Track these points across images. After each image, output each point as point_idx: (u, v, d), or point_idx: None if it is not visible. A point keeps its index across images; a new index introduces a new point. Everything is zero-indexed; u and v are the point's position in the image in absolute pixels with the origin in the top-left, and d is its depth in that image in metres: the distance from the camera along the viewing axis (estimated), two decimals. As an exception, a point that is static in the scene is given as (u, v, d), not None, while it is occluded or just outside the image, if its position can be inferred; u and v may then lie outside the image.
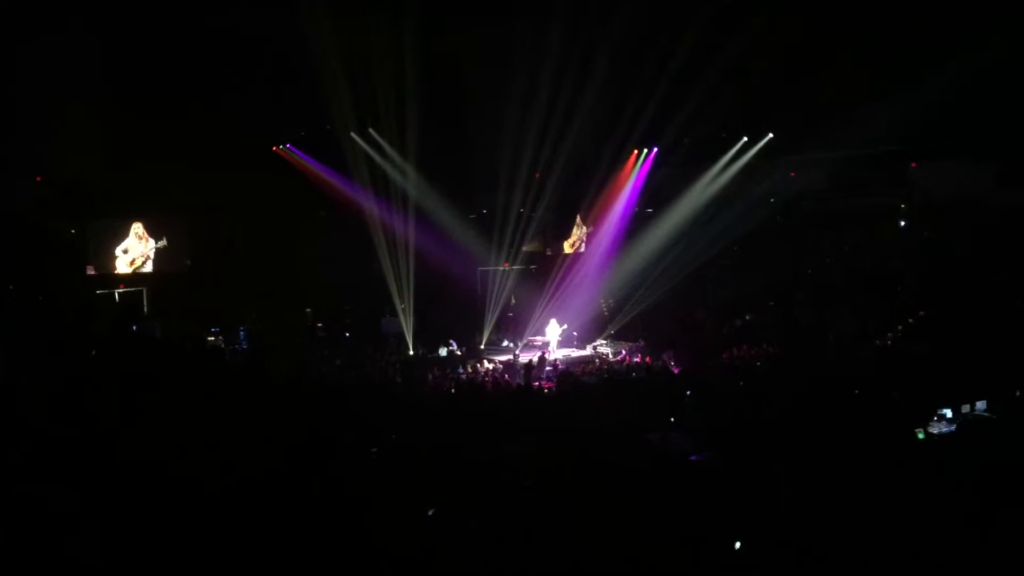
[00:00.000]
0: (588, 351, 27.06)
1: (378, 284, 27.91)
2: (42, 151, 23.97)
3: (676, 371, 21.95)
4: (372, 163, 28.28)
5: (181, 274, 27.97)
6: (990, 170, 28.16)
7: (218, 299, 27.13)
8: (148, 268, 27.65)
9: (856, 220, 30.85)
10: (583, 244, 32.47)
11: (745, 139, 29.15)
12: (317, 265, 28.65)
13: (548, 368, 23.49)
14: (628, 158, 30.47)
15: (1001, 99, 23.11)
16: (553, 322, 27.22)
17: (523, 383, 21.12)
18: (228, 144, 25.52)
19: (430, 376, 22.55)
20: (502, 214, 29.60)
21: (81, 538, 7.02)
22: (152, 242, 27.60)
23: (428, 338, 26.77)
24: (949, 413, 14.31)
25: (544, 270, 31.50)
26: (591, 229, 32.18)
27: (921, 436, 13.62)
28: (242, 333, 26.41)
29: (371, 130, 28.08)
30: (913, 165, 30.18)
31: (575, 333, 27.75)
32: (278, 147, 28.88)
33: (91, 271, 26.77)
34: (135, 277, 27.49)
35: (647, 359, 24.18)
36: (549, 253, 33.01)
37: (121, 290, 27.28)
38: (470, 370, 23.90)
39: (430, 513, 8.87)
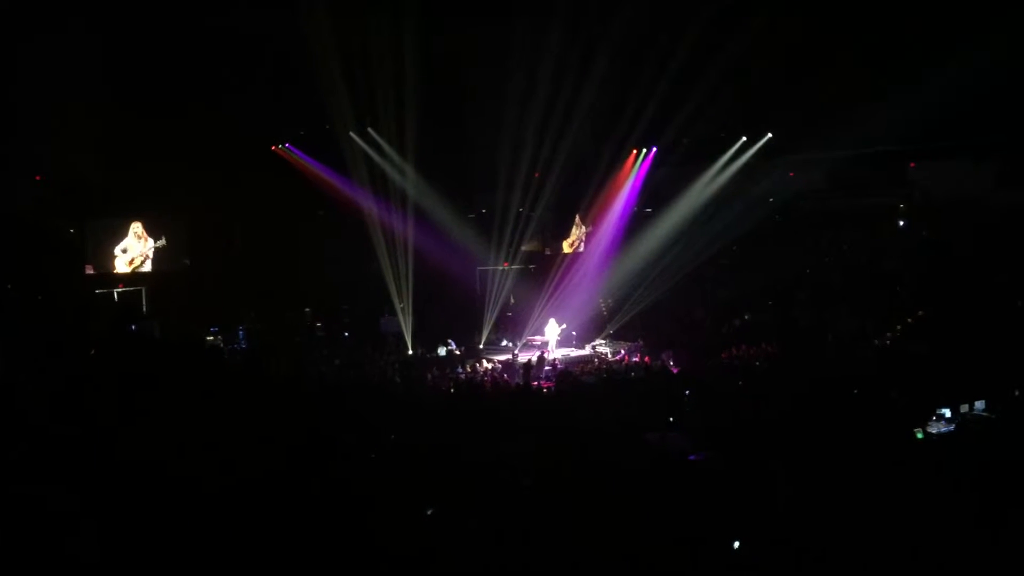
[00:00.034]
0: (587, 351, 27.06)
1: (377, 284, 27.90)
2: (42, 151, 23.96)
3: (675, 371, 21.95)
4: (371, 163, 28.28)
5: (180, 274, 27.95)
6: (990, 170, 28.14)
7: (217, 299, 27.12)
8: (147, 268, 27.63)
9: (855, 220, 30.85)
10: (582, 244, 32.46)
11: (744, 139, 29.14)
12: (316, 265, 28.63)
13: (547, 368, 23.49)
14: (627, 158, 30.48)
15: (1001, 99, 23.09)
16: (552, 322, 27.23)
17: (522, 383, 21.11)
18: (227, 144, 25.55)
19: (429, 376, 22.54)
20: (501, 214, 29.60)
21: (80, 537, 7.02)
22: (151, 242, 27.58)
23: (427, 338, 26.76)
24: (948, 413, 14.32)
25: (543, 270, 31.49)
26: (590, 229, 32.18)
27: (920, 436, 13.62)
28: (241, 333, 26.40)
29: (370, 130, 28.07)
30: (912, 165, 30.16)
31: (574, 333, 27.76)
32: (277, 147, 28.87)
33: (90, 271, 26.74)
34: (134, 277, 27.47)
35: (646, 359, 24.18)
36: (548, 253, 33.01)
37: (120, 290, 27.26)
38: (469, 370, 23.90)
39: (429, 513, 8.87)
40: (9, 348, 17.07)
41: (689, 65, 24.16)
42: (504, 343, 27.91)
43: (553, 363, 24.15)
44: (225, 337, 26.17)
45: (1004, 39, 20.96)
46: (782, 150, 28.84)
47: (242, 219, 28.82)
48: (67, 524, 7.11)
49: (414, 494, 9.23)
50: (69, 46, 22.19)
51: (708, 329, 27.38)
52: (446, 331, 26.84)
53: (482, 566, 7.94)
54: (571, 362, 24.89)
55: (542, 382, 22.01)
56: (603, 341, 28.01)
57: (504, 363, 24.64)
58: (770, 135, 28.76)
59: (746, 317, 27.52)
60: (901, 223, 30.69)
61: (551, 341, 26.85)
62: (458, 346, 26.50)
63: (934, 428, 14.00)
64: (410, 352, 26.28)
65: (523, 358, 24.53)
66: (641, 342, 26.63)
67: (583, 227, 32.46)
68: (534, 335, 27.88)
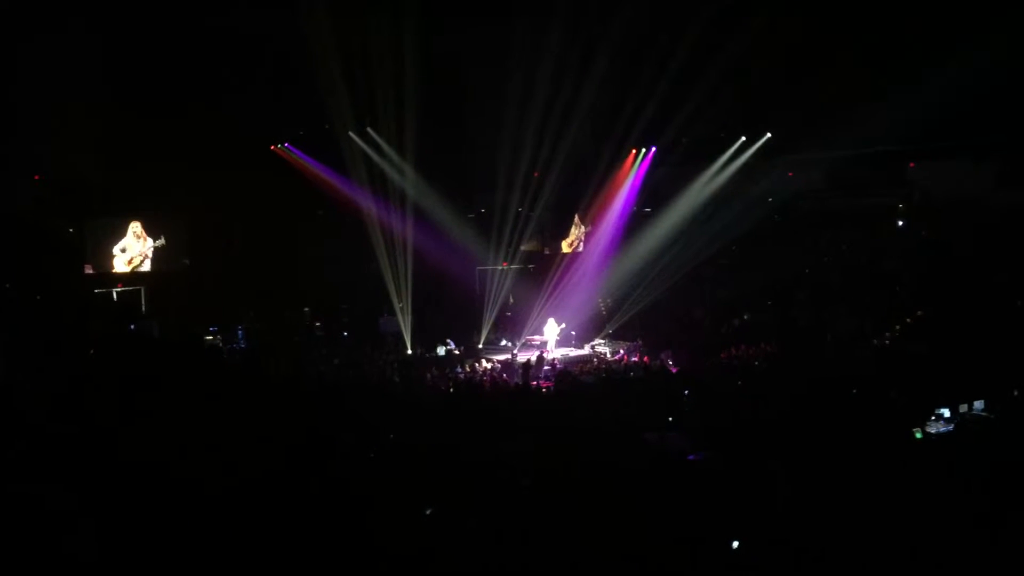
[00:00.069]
0: (586, 350, 27.07)
1: (376, 283, 27.90)
2: (42, 151, 23.96)
3: (674, 370, 21.94)
4: (370, 162, 28.27)
5: (179, 273, 27.94)
6: (989, 170, 28.13)
7: (216, 298, 27.11)
8: (146, 267, 27.62)
9: (854, 220, 30.83)
10: (581, 243, 32.45)
11: (743, 139, 29.14)
12: (315, 264, 28.62)
13: (546, 367, 23.48)
14: (626, 157, 30.47)
15: (1001, 99, 23.09)
16: (551, 321, 27.23)
17: (521, 382, 21.11)
18: (226, 143, 25.52)
19: (428, 375, 22.53)
20: (500, 213, 29.59)
21: (78, 537, 7.01)
22: (150, 241, 27.57)
23: (426, 337, 26.77)
24: (947, 413, 14.30)
25: (542, 269, 31.48)
26: (589, 228, 32.17)
27: (919, 436, 13.62)
28: (240, 332, 26.39)
29: (369, 129, 28.06)
30: (912, 165, 30.16)
31: (573, 332, 27.76)
32: (276, 146, 28.86)
33: (89, 270, 26.74)
34: (133, 276, 27.46)
35: (645, 358, 24.18)
36: (547, 252, 33.00)
37: (119, 289, 27.25)
38: (468, 369, 23.90)
39: (428, 512, 8.86)
40: (8, 347, 17.08)
41: (689, 65, 24.15)
42: (503, 343, 27.90)
43: (552, 363, 24.14)
44: (224, 337, 26.17)
45: (1004, 39, 20.95)
46: (781, 150, 28.81)
47: (241, 219, 28.79)
48: (65, 523, 7.10)
49: (413, 494, 9.23)
50: (69, 46, 22.19)
51: (707, 329, 27.39)
52: (445, 331, 26.84)
53: (481, 566, 7.93)
54: (570, 362, 24.88)
55: (541, 382, 22.00)
56: (602, 341, 28.01)
57: (503, 363, 24.64)
58: (769, 135, 28.75)
59: (745, 317, 27.53)
60: (900, 223, 30.67)
61: (550, 341, 26.86)
62: (457, 346, 26.50)
63: (933, 428, 13.99)
64: (409, 352, 26.28)
65: (522, 358, 24.53)
66: (640, 342, 26.63)
67: (582, 227, 32.45)
68: (533, 335, 27.88)
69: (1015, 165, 27.24)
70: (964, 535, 7.99)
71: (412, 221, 28.31)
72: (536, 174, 28.69)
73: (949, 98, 22.00)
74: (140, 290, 27.61)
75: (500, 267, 30.30)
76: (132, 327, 24.39)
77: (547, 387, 20.98)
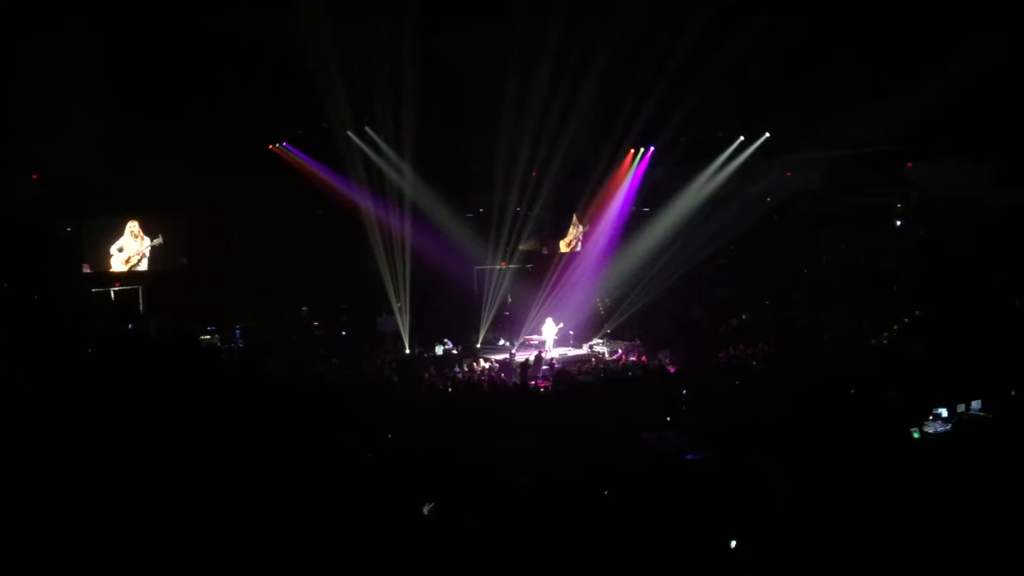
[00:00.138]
0: (584, 350, 27.09)
1: (374, 283, 27.90)
2: (42, 151, 23.98)
3: (672, 370, 21.94)
4: (369, 162, 28.26)
5: (177, 272, 27.94)
6: (987, 169, 28.17)
7: (214, 297, 27.10)
8: (143, 266, 27.62)
9: (852, 220, 30.88)
10: (579, 243, 32.47)
11: (742, 139, 29.15)
12: (314, 264, 28.64)
13: (544, 367, 23.50)
14: (625, 157, 30.48)
15: (999, 99, 23.10)
16: (549, 321, 27.24)
17: (519, 382, 21.12)
18: (224, 143, 25.52)
19: (426, 375, 22.54)
20: (499, 213, 29.59)
21: (78, 537, 7.01)
22: (147, 240, 27.57)
23: (424, 337, 26.78)
24: (945, 412, 14.31)
25: (540, 269, 31.53)
26: (587, 228, 32.18)
27: (916, 435, 13.63)
28: (238, 332, 26.39)
29: (368, 129, 28.04)
30: (909, 165, 30.18)
31: (571, 332, 27.77)
32: (274, 145, 28.84)
33: (87, 269, 26.73)
34: (131, 275, 27.46)
35: (643, 358, 24.20)
36: (545, 252, 33.06)
37: (117, 288, 27.23)
38: (466, 369, 23.92)
39: (425, 510, 8.87)
40: (6, 347, 17.04)
41: (688, 65, 24.14)
42: (501, 342, 27.93)
43: (550, 362, 24.17)
44: (222, 336, 26.17)
45: (1004, 39, 20.95)
46: (780, 150, 28.84)
47: (239, 218, 28.80)
48: (66, 524, 7.10)
49: (411, 493, 9.23)
50: (69, 46, 22.18)
51: (705, 329, 27.41)
52: (443, 330, 26.87)
53: (480, 566, 7.94)
54: (568, 361, 24.90)
55: (539, 381, 22.01)
56: (600, 340, 28.04)
57: (501, 362, 24.65)
58: (767, 135, 28.77)
59: (743, 317, 27.56)
60: (898, 223, 30.70)
61: (548, 340, 26.86)
62: (455, 345, 26.52)
63: (931, 428, 14.00)
64: (407, 351, 26.29)
65: (520, 357, 24.57)
66: (638, 341, 26.67)
67: (580, 226, 32.47)
68: (531, 334, 27.89)
69: (1013, 164, 27.27)
70: (962, 535, 8.00)
71: (410, 220, 28.34)
72: (534, 174, 28.71)
73: (947, 98, 22.02)
74: (138, 289, 27.59)
75: (498, 267, 30.31)
76: (130, 326, 24.35)
77: (545, 387, 20.98)
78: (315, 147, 28.50)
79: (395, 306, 27.54)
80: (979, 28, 21.65)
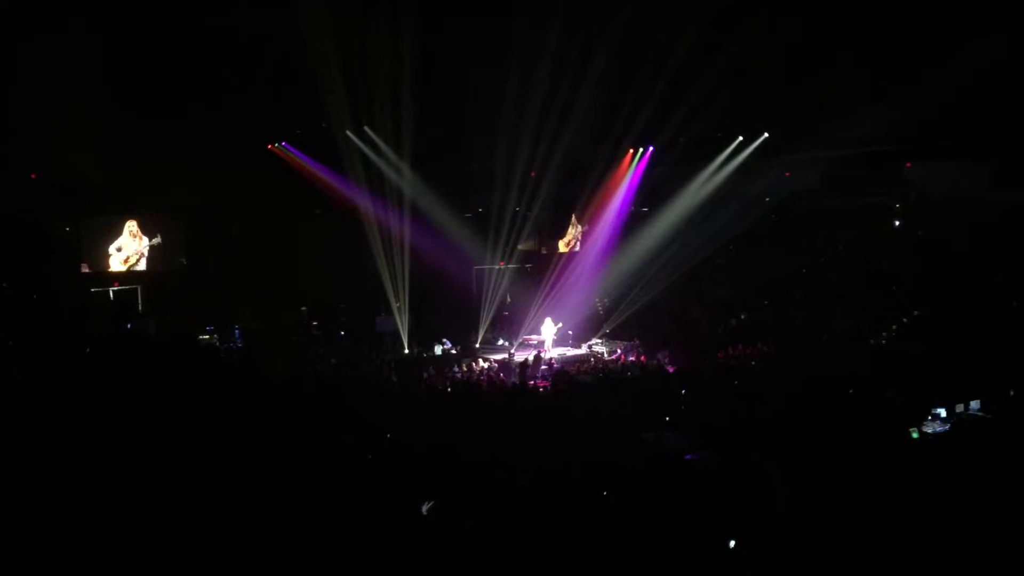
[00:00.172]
0: (583, 350, 27.10)
1: (373, 283, 27.87)
2: (41, 151, 23.96)
3: (671, 370, 21.94)
4: (368, 162, 28.25)
5: (176, 272, 27.92)
6: (986, 169, 28.18)
7: (213, 297, 27.08)
8: (142, 266, 27.60)
9: (851, 220, 30.90)
10: (578, 243, 32.48)
11: (740, 139, 29.16)
12: (313, 263, 28.61)
13: (543, 367, 23.50)
14: (624, 157, 30.49)
15: (998, 99, 23.11)
16: (548, 321, 27.23)
17: (518, 382, 21.12)
18: (223, 143, 25.50)
19: (425, 375, 22.55)
20: (498, 213, 29.59)
21: (84, 539, 7.02)
22: (146, 240, 27.55)
23: (423, 337, 26.77)
24: (943, 413, 14.32)
25: (539, 269, 31.53)
26: (586, 228, 32.20)
27: (915, 436, 13.64)
28: (237, 331, 26.38)
29: (367, 128, 28.03)
30: (908, 165, 30.20)
31: (570, 332, 27.77)
32: (273, 145, 28.83)
33: (85, 269, 26.71)
34: (129, 275, 27.44)
35: (642, 358, 24.21)
36: (544, 252, 33.05)
37: (116, 288, 27.21)
38: (465, 369, 23.92)
39: (424, 510, 8.87)
40: (6, 347, 17.06)
41: (687, 65, 24.14)
42: (500, 342, 27.94)
43: (549, 362, 24.18)
44: (221, 336, 26.16)
45: (1004, 39, 20.96)
46: (778, 150, 28.86)
47: (239, 218, 28.79)
48: (71, 526, 7.11)
49: (410, 493, 9.23)
50: (69, 46, 22.16)
51: (704, 328, 27.44)
52: (442, 330, 26.87)
53: (479, 565, 7.94)
54: (567, 361, 24.91)
55: (538, 381, 22.01)
56: (599, 340, 28.05)
57: (500, 362, 24.66)
58: (766, 135, 28.77)
59: (742, 317, 27.58)
60: (897, 223, 30.72)
61: (547, 340, 26.85)
62: (454, 345, 26.51)
63: (929, 428, 14.01)
64: (406, 351, 26.29)
65: (519, 357, 24.58)
66: (637, 341, 26.69)
67: (579, 226, 32.48)
68: (530, 334, 27.88)
69: (1012, 165, 27.28)
70: (960, 535, 8.01)
71: (409, 220, 28.32)
72: (533, 174, 28.71)
73: (946, 98, 22.03)
74: (137, 289, 27.57)
75: (497, 266, 30.31)
76: (129, 326, 24.33)
77: (544, 387, 20.99)
78: (314, 147, 28.47)
79: (394, 306, 27.52)
80: (979, 28, 21.65)
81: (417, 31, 23.94)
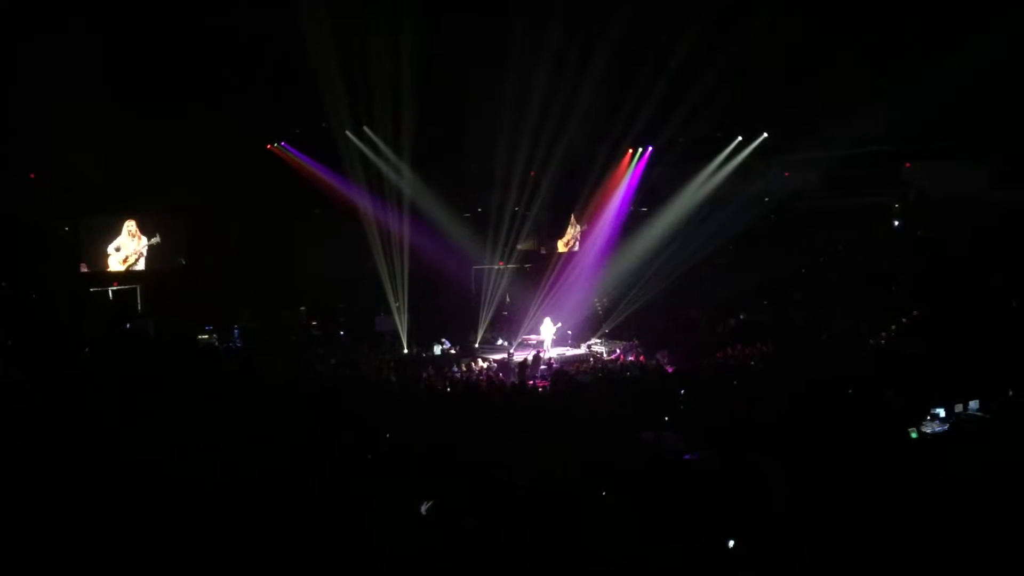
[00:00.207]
0: (582, 350, 27.08)
1: (372, 282, 27.85)
2: (41, 151, 23.95)
3: (670, 370, 21.94)
4: (367, 162, 28.24)
5: (175, 272, 27.89)
6: (985, 169, 28.19)
7: (212, 297, 27.04)
8: (141, 266, 27.57)
9: (850, 220, 30.91)
10: (577, 243, 32.48)
11: (740, 139, 29.16)
12: (312, 263, 28.59)
13: (542, 367, 23.50)
14: (623, 157, 30.49)
15: (998, 99, 23.11)
16: (547, 321, 27.22)
17: (517, 382, 21.12)
18: (223, 143, 25.48)
19: (424, 375, 22.55)
20: (497, 213, 29.57)
21: (84, 539, 7.02)
22: (145, 240, 27.50)
23: (422, 336, 26.77)
24: (942, 412, 14.34)
25: (538, 269, 31.52)
26: (585, 228, 32.19)
27: (914, 436, 13.64)
28: (236, 331, 26.36)
29: (366, 128, 28.01)
30: (907, 165, 30.20)
31: (569, 332, 27.76)
32: (272, 145, 28.81)
33: (84, 269, 26.69)
34: (128, 275, 27.41)
35: (641, 358, 24.21)
36: (543, 252, 33.05)
37: (115, 288, 27.19)
38: (464, 369, 23.91)
39: (423, 510, 8.88)
40: (5, 346, 17.06)
41: (687, 65, 24.13)
42: (499, 342, 27.93)
43: (548, 362, 24.18)
44: (220, 336, 26.15)
45: (1004, 39, 20.96)
46: (778, 150, 28.87)
47: (238, 217, 28.76)
48: (71, 525, 7.11)
49: (410, 493, 9.24)
50: (69, 46, 22.14)
51: (703, 329, 27.44)
52: (441, 330, 26.85)
53: (478, 565, 7.94)
54: (566, 361, 24.91)
55: (537, 381, 22.01)
56: (598, 340, 28.04)
57: (499, 362, 24.66)
58: (765, 135, 28.78)
59: (741, 317, 27.59)
60: (896, 223, 30.72)
61: (546, 340, 26.84)
62: (453, 345, 26.51)
63: (928, 428, 14.02)
64: (405, 351, 26.28)
65: (518, 357, 24.58)
66: (636, 341, 26.69)
67: (578, 226, 32.47)
68: (529, 334, 27.87)
69: (1011, 165, 27.29)
70: (960, 535, 8.01)
71: (409, 220, 28.30)
72: (532, 173, 28.70)
73: (946, 98, 22.03)
74: (136, 289, 27.55)
75: (496, 266, 30.30)
76: (128, 326, 24.32)
77: (543, 387, 20.99)
78: (314, 147, 28.46)
79: (393, 306, 27.49)
80: (979, 28, 21.65)
81: (417, 31, 23.92)
